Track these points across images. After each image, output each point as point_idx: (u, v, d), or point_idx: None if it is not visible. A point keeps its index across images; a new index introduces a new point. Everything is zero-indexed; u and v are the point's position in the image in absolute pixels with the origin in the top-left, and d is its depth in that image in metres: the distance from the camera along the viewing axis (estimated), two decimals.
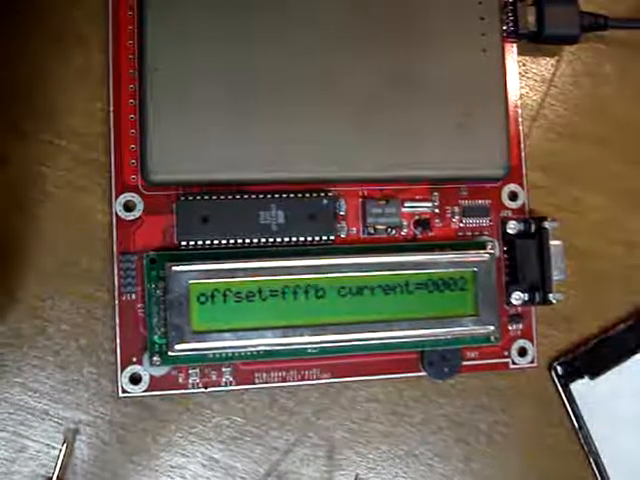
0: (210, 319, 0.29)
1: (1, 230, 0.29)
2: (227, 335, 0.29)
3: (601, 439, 0.34)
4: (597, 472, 0.34)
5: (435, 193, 0.32)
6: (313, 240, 0.30)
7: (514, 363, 0.33)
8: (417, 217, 0.32)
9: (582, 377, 0.34)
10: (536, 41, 0.34)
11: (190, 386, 0.30)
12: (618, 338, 0.34)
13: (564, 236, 0.33)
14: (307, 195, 0.30)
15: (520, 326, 0.33)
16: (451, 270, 0.31)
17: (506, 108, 0.32)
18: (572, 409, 0.34)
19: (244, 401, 0.31)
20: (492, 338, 0.31)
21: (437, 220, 0.32)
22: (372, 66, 0.30)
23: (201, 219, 0.29)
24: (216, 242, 0.29)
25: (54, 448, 0.29)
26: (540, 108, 0.35)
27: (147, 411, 0.30)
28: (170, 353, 0.28)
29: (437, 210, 0.32)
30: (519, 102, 0.34)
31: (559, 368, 0.34)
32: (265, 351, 0.29)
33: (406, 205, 0.32)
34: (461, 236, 0.32)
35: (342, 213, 0.31)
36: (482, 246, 0.32)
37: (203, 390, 0.30)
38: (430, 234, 0.32)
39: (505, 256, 0.33)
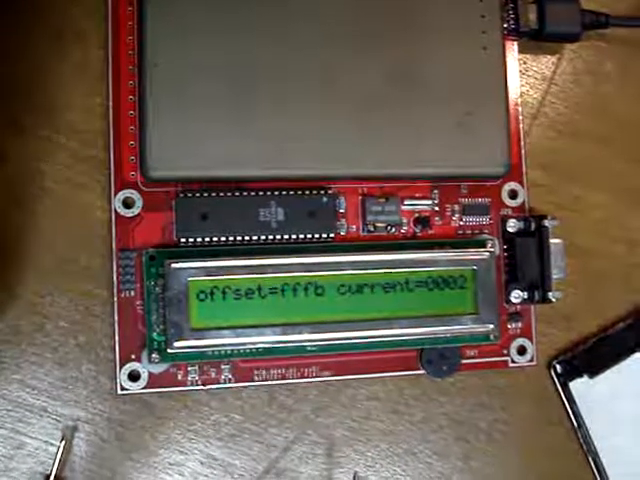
0: (209, 316, 0.29)
1: None
2: (226, 332, 0.29)
3: (600, 438, 0.34)
4: (596, 470, 0.34)
5: (435, 191, 0.32)
6: (313, 238, 0.30)
7: (513, 362, 0.33)
8: (417, 215, 0.32)
9: (581, 376, 0.34)
10: (537, 39, 0.34)
11: (189, 383, 0.30)
12: (617, 337, 0.34)
13: (564, 234, 0.32)
14: (307, 192, 0.30)
15: (519, 324, 0.33)
16: (451, 268, 0.31)
17: (506, 106, 0.32)
18: (571, 408, 0.34)
19: (243, 398, 0.31)
20: (491, 336, 0.31)
21: (437, 218, 0.32)
22: (373, 63, 0.30)
23: (200, 216, 0.29)
24: (215, 239, 0.29)
25: (52, 445, 0.29)
26: (541, 106, 0.35)
27: (146, 408, 0.30)
28: (169, 350, 0.28)
29: (437, 208, 0.32)
30: (519, 100, 0.34)
31: (558, 367, 0.34)
32: (264, 348, 0.29)
33: (406, 203, 0.32)
34: (461, 234, 0.32)
35: (342, 211, 0.31)
36: (482, 244, 0.31)
37: (202, 387, 0.30)
38: (430, 232, 0.32)
39: (505, 254, 0.33)
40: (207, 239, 0.29)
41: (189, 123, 0.29)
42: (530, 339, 0.33)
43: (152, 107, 0.28)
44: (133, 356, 0.29)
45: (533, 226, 0.32)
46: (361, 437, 0.32)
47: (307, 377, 0.31)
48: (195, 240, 0.29)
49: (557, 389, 0.34)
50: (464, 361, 0.32)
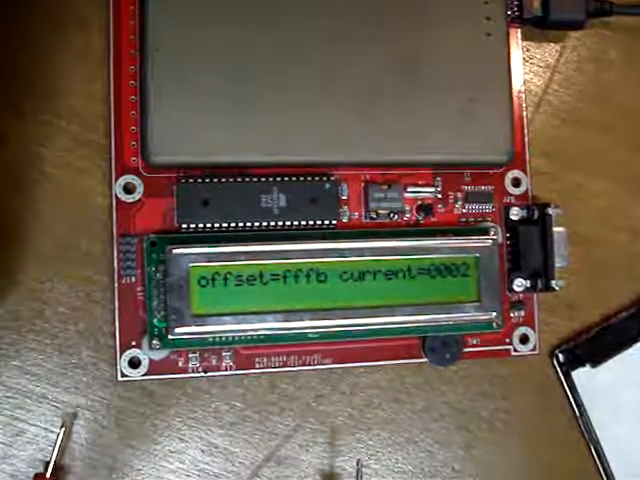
0: (210, 302, 0.28)
1: None
2: (227, 319, 0.28)
3: (602, 427, 0.34)
4: (597, 459, 0.34)
5: (438, 178, 0.32)
6: (315, 224, 0.30)
7: (516, 350, 0.33)
8: (420, 202, 0.32)
9: (584, 365, 0.34)
10: (541, 26, 0.34)
11: (190, 370, 0.30)
12: (620, 326, 0.34)
13: (567, 223, 0.32)
14: (309, 179, 0.30)
15: (522, 313, 0.33)
16: (453, 256, 0.31)
17: (510, 93, 0.31)
18: (573, 397, 0.34)
19: (244, 386, 0.31)
20: (494, 325, 0.31)
21: (440, 205, 0.32)
22: (375, 50, 0.30)
23: (202, 202, 0.29)
24: (217, 225, 0.29)
25: (52, 432, 0.29)
26: (544, 94, 0.35)
27: (146, 395, 0.30)
28: (170, 337, 0.28)
29: (440, 195, 0.32)
30: (523, 88, 0.34)
31: (561, 356, 0.34)
32: (266, 335, 0.29)
33: (409, 190, 0.32)
34: (464, 222, 0.32)
35: (344, 197, 0.31)
36: (485, 232, 0.31)
37: (203, 374, 0.30)
38: (433, 219, 0.32)
39: (508, 242, 0.33)
40: (208, 225, 0.29)
41: (191, 108, 0.28)
42: (533, 328, 0.33)
43: (153, 92, 0.28)
44: (134, 342, 0.29)
45: (536, 214, 0.32)
46: (362, 425, 0.32)
47: (308, 365, 0.31)
48: (196, 226, 0.29)
49: (559, 378, 0.34)
50: (466, 349, 0.32)
